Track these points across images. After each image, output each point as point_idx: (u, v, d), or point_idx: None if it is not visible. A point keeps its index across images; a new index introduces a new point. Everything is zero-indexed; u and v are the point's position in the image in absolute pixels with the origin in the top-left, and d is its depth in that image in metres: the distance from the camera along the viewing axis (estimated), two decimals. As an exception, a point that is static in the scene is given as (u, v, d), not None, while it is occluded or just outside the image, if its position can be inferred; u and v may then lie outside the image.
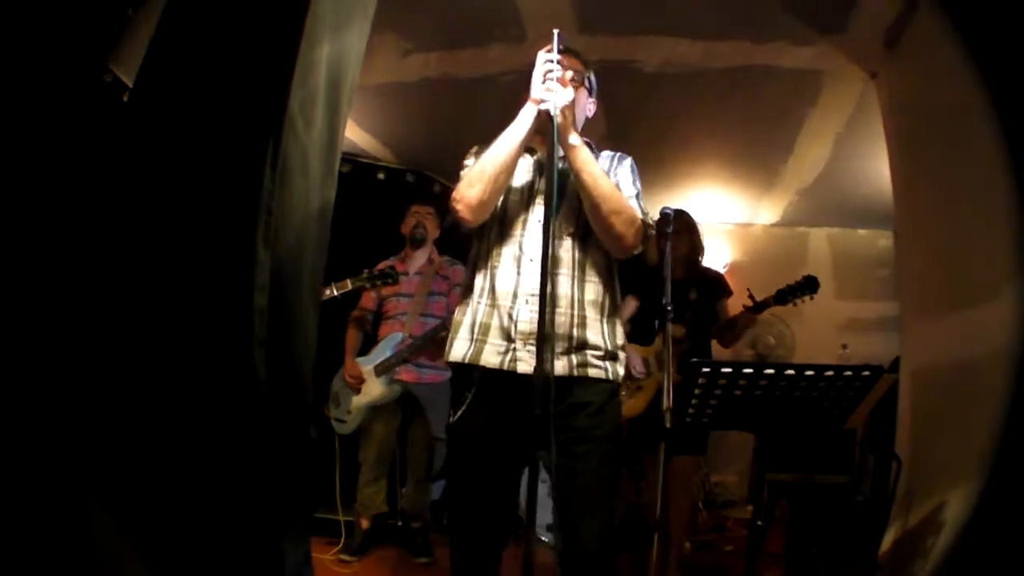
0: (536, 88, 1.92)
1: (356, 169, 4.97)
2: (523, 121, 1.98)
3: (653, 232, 2.15)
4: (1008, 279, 2.20)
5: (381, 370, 3.73)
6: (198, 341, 1.36)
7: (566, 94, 1.89)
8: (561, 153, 1.98)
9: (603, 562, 1.98)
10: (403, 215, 4.02)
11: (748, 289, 3.55)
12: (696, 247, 3.64)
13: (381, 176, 5.03)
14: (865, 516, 3.49)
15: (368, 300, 3.92)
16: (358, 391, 3.76)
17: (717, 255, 5.89)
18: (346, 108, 1.79)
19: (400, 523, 3.99)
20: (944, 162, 2.79)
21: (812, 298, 3.49)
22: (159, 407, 1.33)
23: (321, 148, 1.67)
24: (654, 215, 2.39)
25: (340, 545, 3.81)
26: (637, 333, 3.54)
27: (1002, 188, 2.22)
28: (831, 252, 5.99)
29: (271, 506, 1.40)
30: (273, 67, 1.50)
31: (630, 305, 3.59)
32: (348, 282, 3.50)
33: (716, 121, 4.38)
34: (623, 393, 3.56)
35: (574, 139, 1.96)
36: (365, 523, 3.86)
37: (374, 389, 3.75)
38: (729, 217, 6.03)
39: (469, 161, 2.15)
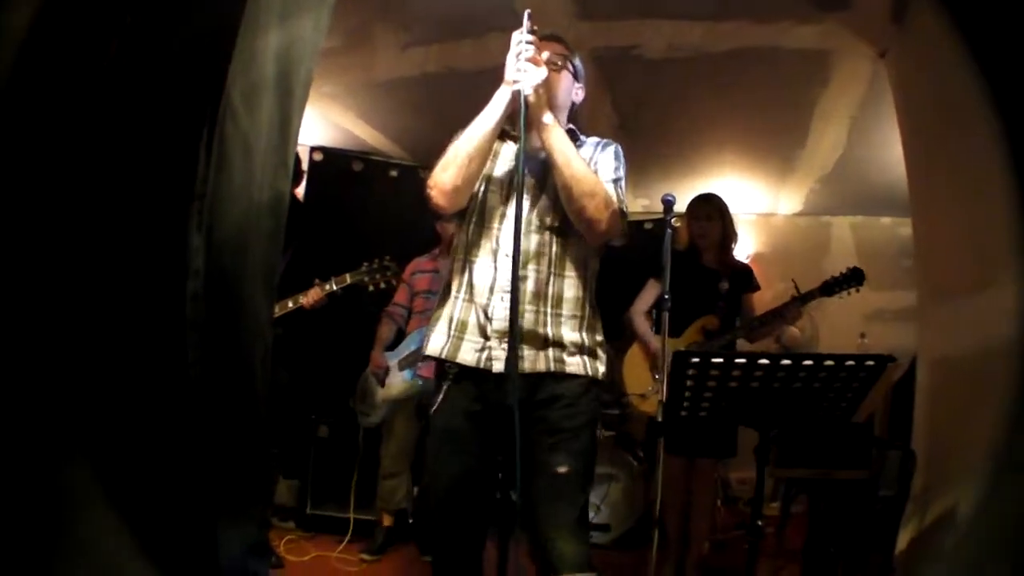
0: (509, 69, 1.89)
1: (368, 167, 4.98)
2: (497, 104, 1.95)
3: (627, 221, 2.07)
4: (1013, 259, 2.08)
5: (405, 364, 3.72)
6: (126, 322, 1.34)
7: (539, 73, 1.87)
8: (539, 144, 1.96)
9: (575, 554, 1.94)
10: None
11: (793, 280, 3.44)
12: (728, 234, 3.53)
13: (394, 173, 5.01)
14: (886, 512, 3.36)
15: (402, 295, 3.90)
16: (382, 383, 3.76)
17: (740, 246, 5.74)
18: (300, 98, 1.74)
19: (412, 520, 3.97)
20: (957, 140, 2.65)
21: (858, 290, 3.38)
22: (82, 387, 1.30)
23: (270, 139, 1.63)
24: (655, 204, 2.29)
25: (345, 541, 3.83)
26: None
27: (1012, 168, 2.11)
28: (855, 241, 5.84)
29: (201, 491, 1.38)
30: (210, 55, 1.47)
31: (653, 288, 3.47)
32: (347, 276, 3.45)
33: (726, 105, 4.26)
34: (649, 389, 3.44)
35: (547, 118, 1.92)
36: (387, 521, 3.86)
37: (396, 383, 3.75)
38: (750, 207, 5.89)
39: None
